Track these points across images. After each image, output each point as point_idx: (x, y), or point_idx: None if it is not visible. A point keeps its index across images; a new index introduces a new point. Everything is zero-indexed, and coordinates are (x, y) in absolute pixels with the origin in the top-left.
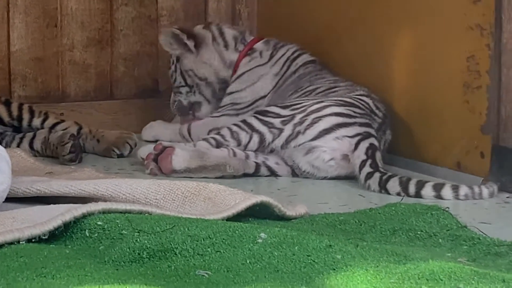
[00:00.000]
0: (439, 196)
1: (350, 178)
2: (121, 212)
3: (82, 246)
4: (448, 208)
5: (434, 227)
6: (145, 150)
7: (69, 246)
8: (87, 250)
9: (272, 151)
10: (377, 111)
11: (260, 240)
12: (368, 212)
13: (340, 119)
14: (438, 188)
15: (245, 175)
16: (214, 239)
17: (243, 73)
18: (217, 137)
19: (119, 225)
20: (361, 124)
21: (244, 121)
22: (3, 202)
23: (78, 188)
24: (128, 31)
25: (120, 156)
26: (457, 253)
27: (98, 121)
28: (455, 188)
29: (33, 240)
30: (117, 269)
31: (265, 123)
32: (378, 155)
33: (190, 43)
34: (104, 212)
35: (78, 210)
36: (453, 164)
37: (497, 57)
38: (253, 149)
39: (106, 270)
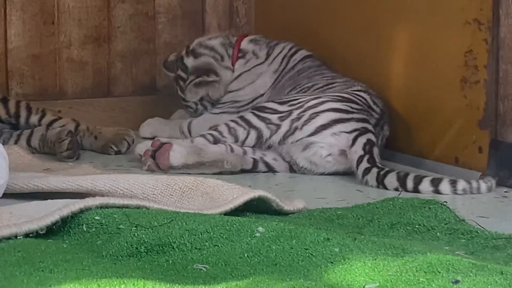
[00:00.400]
0: (437, 191)
1: (347, 173)
2: (118, 207)
3: (79, 240)
4: (446, 202)
5: (432, 221)
6: (142, 147)
7: (67, 241)
8: (84, 245)
9: (269, 147)
10: (374, 107)
11: (258, 234)
12: (366, 207)
13: (337, 115)
14: (436, 182)
15: (243, 171)
16: (212, 233)
17: (242, 73)
18: (215, 133)
19: (116, 220)
20: (358, 120)
21: (241, 117)
22: (1, 198)
23: (75, 184)
24: (126, 28)
25: (118, 152)
26: (455, 247)
27: (96, 118)
28: (453, 183)
29: (30, 235)
30: (114, 264)
31: (262, 119)
32: (375, 151)
33: (213, 78)
34: (101, 207)
35: (75, 205)
36: (451, 159)
37: (494, 52)
38: (250, 145)
39: (104, 264)
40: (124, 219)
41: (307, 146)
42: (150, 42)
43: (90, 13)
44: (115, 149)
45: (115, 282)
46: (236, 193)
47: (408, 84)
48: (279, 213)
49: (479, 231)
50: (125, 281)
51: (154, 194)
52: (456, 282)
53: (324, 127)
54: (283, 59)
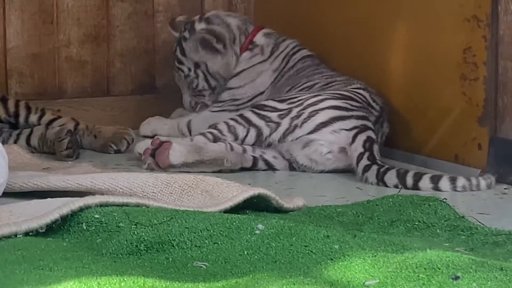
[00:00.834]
0: (436, 188)
1: (347, 171)
2: (118, 205)
3: (79, 239)
4: (445, 199)
5: (432, 217)
6: (142, 145)
7: (67, 239)
8: (84, 243)
9: (269, 145)
10: (374, 104)
11: (257, 232)
12: (366, 204)
13: (337, 112)
14: (435, 180)
15: (243, 169)
16: (211, 231)
17: (243, 70)
18: (214, 131)
19: (116, 218)
20: (358, 117)
21: (241, 115)
22: (0, 197)
23: (75, 182)
24: (125, 27)
25: (117, 151)
26: (455, 243)
27: (95, 117)
28: (453, 180)
29: (30, 234)
30: (114, 261)
31: (262, 117)
32: (375, 148)
33: (220, 47)
34: (101, 205)
35: (75, 203)
36: (451, 156)
37: (494, 49)
38: (250, 143)
39: (104, 262)
40: (123, 217)
41: (307, 144)
42: (149, 41)
43: (89, 12)
44: (115, 148)
45: (115, 280)
46: (236, 191)
47: (407, 81)
48: (279, 210)
49: (479, 228)
50: (125, 279)
51: (153, 192)
52: (456, 278)
53: (324, 124)
54: (284, 58)
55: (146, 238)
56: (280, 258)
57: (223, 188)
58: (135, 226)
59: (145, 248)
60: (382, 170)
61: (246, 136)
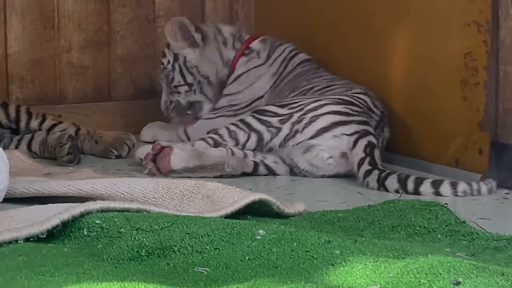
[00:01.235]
0: (437, 193)
1: (348, 176)
2: (119, 211)
3: (80, 244)
4: (446, 204)
5: (433, 222)
6: (143, 151)
7: (68, 245)
8: (85, 249)
9: (270, 150)
10: (374, 109)
11: (258, 237)
12: (367, 209)
13: (338, 117)
14: (436, 184)
15: (244, 174)
16: (212, 237)
17: (241, 74)
18: (215, 136)
19: (117, 224)
20: (359, 122)
21: (242, 121)
22: (1, 202)
23: (76, 188)
24: (125, 32)
25: (118, 157)
26: (456, 248)
27: (96, 122)
28: (454, 185)
29: (31, 239)
30: (115, 267)
31: (263, 122)
32: (376, 153)
33: (198, 36)
34: (102, 210)
35: (76, 209)
36: (452, 161)
37: (494, 54)
38: (251, 148)
39: (105, 268)
40: (125, 223)
41: (308, 149)
42: (150, 46)
43: (90, 17)
44: (116, 153)
45: (116, 286)
46: (237, 196)
47: (408, 86)
48: (280, 216)
49: (480, 233)
50: (126, 284)
51: (154, 197)
52: (457, 283)
53: (324, 129)
54: (282, 61)
55: (147, 243)
56: (281, 264)
57: (224, 194)
58: (136, 232)
59: (146, 254)
60: (383, 175)
61: (247, 141)
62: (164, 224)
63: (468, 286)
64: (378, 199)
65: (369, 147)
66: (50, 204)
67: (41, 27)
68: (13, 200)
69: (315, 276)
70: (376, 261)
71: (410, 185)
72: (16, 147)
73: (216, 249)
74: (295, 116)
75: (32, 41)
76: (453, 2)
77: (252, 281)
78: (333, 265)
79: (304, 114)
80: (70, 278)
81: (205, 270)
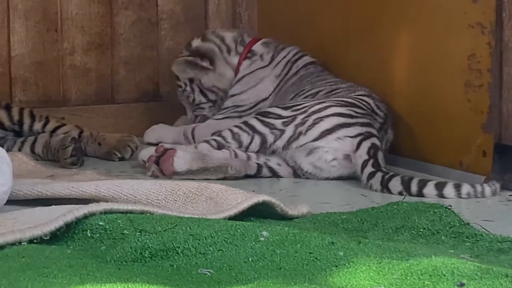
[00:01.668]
0: (441, 195)
1: (352, 178)
2: (122, 212)
3: (83, 246)
4: (450, 206)
5: (437, 224)
6: (146, 153)
7: (71, 247)
8: (89, 250)
9: (273, 152)
10: (378, 111)
11: (262, 239)
12: (371, 211)
13: (341, 119)
14: (440, 186)
15: (247, 176)
16: (216, 238)
17: (244, 75)
18: (219, 138)
19: (120, 225)
20: (362, 124)
21: (245, 123)
22: (5, 204)
23: (79, 190)
24: (129, 34)
25: (122, 159)
26: (460, 250)
27: (99, 125)
28: (457, 187)
29: (34, 241)
30: (119, 269)
31: (266, 124)
32: (380, 155)
33: (206, 64)
34: (105, 212)
35: (79, 210)
36: (455, 163)
37: (498, 55)
38: (254, 151)
39: (108, 269)
40: (128, 225)
41: (311, 151)
42: (153, 49)
43: (93, 20)
44: (119, 155)
45: (119, 287)
46: (240, 198)
47: (411, 88)
48: (284, 217)
49: (484, 235)
50: (129, 286)
51: (158, 199)
52: (461, 285)
53: (328, 131)
54: (286, 64)
55: (150, 245)
56: (285, 265)
57: (228, 195)
58: (139, 233)
59: (150, 255)
60: (386, 177)
61: (250, 143)
62: (168, 226)
63: (472, 287)
64: (381, 201)
65: (373, 149)
66: (53, 206)
67: (44, 30)
68: (16, 202)
69: (318, 278)
70: (380, 262)
71: (414, 187)
72: (19, 149)
73: (219, 250)
74: (299, 118)
75: (35, 43)
76: (456, 3)
77: (255, 283)
78: (336, 266)
79: (307, 116)
80: (74, 280)
81: (209, 272)
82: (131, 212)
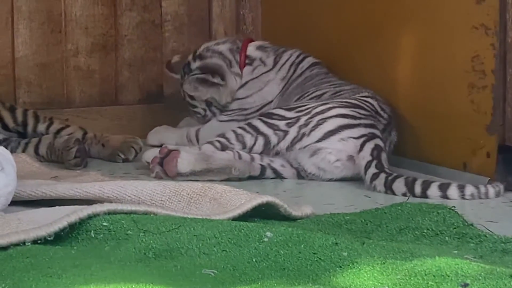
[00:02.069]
0: (445, 196)
1: (355, 179)
2: (126, 213)
3: (87, 246)
4: (454, 207)
5: (441, 225)
6: (150, 154)
7: (75, 247)
8: (92, 251)
9: (277, 154)
10: (382, 112)
11: (266, 239)
12: (374, 212)
13: (345, 121)
14: (444, 188)
15: (251, 177)
16: (220, 239)
17: (248, 81)
18: (222, 140)
19: (124, 226)
20: (366, 125)
21: (249, 124)
22: (9, 205)
23: (83, 191)
24: (133, 36)
25: (125, 160)
26: (463, 251)
27: (103, 126)
28: (461, 188)
29: (38, 242)
30: (123, 269)
31: (270, 125)
32: (383, 156)
33: (218, 80)
34: (109, 213)
35: (83, 211)
36: (459, 165)
37: (502, 57)
38: (258, 152)
39: (112, 270)
40: (132, 225)
41: (315, 152)
42: (157, 50)
43: (97, 21)
44: (123, 157)
45: None
46: (244, 199)
47: (415, 89)
48: (287, 218)
49: (487, 235)
50: (133, 286)
51: (162, 200)
52: (465, 285)
53: (331, 133)
54: (290, 66)
55: (154, 245)
56: (289, 266)
57: (231, 196)
58: (143, 234)
59: (154, 256)
60: (390, 178)
61: (254, 144)
62: (172, 226)
63: None
64: (385, 202)
65: (376, 150)
66: (57, 207)
67: (48, 31)
68: (20, 202)
69: (322, 278)
70: (384, 263)
71: (418, 189)
72: (23, 151)
73: (223, 251)
74: (302, 119)
75: (39, 45)
76: (460, 5)
77: (259, 283)
78: (340, 267)
79: (311, 117)
80: (78, 280)
81: (212, 272)
82: (135, 212)
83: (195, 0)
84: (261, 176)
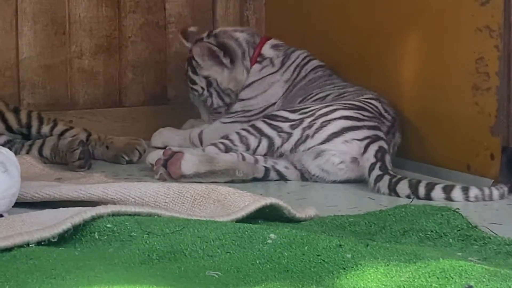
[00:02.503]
0: (449, 198)
1: (359, 181)
2: (130, 215)
3: (91, 248)
4: (458, 209)
5: (445, 227)
6: (154, 156)
7: (79, 249)
8: (96, 252)
9: (281, 155)
10: (386, 114)
11: (269, 241)
12: (378, 214)
13: (349, 122)
14: (448, 190)
15: (254, 179)
16: (223, 240)
17: (254, 81)
18: (226, 141)
19: (128, 227)
20: (370, 127)
21: (253, 126)
22: (13, 206)
23: (87, 192)
24: (136, 38)
25: (129, 162)
26: (467, 253)
27: (107, 128)
28: (465, 190)
29: (42, 243)
30: (126, 271)
31: (274, 127)
32: (387, 158)
33: (227, 61)
34: (113, 214)
35: (87, 212)
36: (463, 166)
37: (506, 58)
38: (262, 154)
39: (116, 271)
40: (136, 227)
41: (318, 154)
42: (161, 52)
43: (101, 23)
44: (127, 158)
45: None
46: (248, 201)
47: (419, 91)
48: (291, 220)
49: (491, 237)
50: (137, 287)
51: (165, 202)
52: (469, 287)
53: (335, 134)
54: (295, 68)
55: (158, 247)
56: (292, 268)
57: (235, 198)
58: (147, 236)
59: (157, 258)
60: (394, 180)
61: (258, 146)
62: (175, 228)
63: None
64: (389, 204)
65: (380, 152)
66: (61, 208)
67: (52, 33)
68: (24, 204)
69: (326, 280)
70: (388, 265)
71: (422, 190)
72: (27, 152)
73: (227, 252)
74: (306, 121)
75: (43, 47)
76: (464, 7)
77: (263, 285)
78: (344, 269)
79: (315, 119)
80: (81, 282)
81: (216, 274)
82: (138, 214)
83: (199, 1)
84: (265, 178)
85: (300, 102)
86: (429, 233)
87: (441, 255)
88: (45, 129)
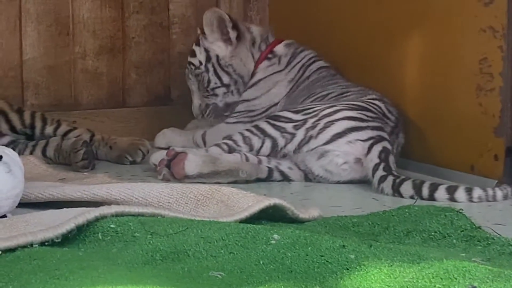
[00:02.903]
0: (452, 199)
1: (363, 182)
2: (133, 215)
3: (95, 248)
4: (462, 209)
5: (448, 228)
6: (157, 156)
7: (82, 249)
8: (100, 253)
9: (284, 156)
10: (389, 115)
11: (273, 242)
12: (382, 215)
13: (352, 123)
14: (451, 190)
15: (258, 180)
16: (227, 241)
17: (260, 80)
18: (230, 142)
19: (132, 228)
20: (373, 128)
21: (256, 126)
22: (16, 207)
23: (90, 193)
24: (140, 38)
25: (133, 162)
26: (471, 253)
27: (110, 129)
28: (469, 191)
29: (46, 244)
30: (130, 271)
31: (277, 128)
32: (391, 159)
33: (233, 34)
34: (117, 215)
35: (91, 213)
36: (467, 167)
37: (510, 59)
38: (265, 154)
39: (119, 272)
40: (139, 227)
41: (322, 155)
42: (165, 53)
43: (104, 23)
44: (130, 159)
45: None
46: (251, 201)
47: (423, 92)
48: (295, 221)
49: (495, 238)
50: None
51: (169, 202)
52: None
53: (339, 135)
54: (300, 68)
55: (161, 248)
56: (296, 268)
57: (239, 198)
58: (150, 236)
59: (161, 258)
60: (397, 181)
61: (261, 147)
62: (179, 229)
63: None
64: (392, 205)
65: (384, 153)
66: (65, 209)
67: (56, 34)
68: (28, 204)
69: (329, 281)
70: (391, 265)
71: (425, 191)
72: (31, 153)
73: (230, 253)
74: (310, 122)
75: (47, 47)
76: (468, 7)
77: (266, 285)
78: (347, 269)
79: (318, 120)
80: (85, 282)
81: (220, 274)
82: (142, 215)
83: (202, 2)
84: (269, 178)
85: (303, 102)
86: (432, 233)
87: (445, 255)
88: (49, 129)
